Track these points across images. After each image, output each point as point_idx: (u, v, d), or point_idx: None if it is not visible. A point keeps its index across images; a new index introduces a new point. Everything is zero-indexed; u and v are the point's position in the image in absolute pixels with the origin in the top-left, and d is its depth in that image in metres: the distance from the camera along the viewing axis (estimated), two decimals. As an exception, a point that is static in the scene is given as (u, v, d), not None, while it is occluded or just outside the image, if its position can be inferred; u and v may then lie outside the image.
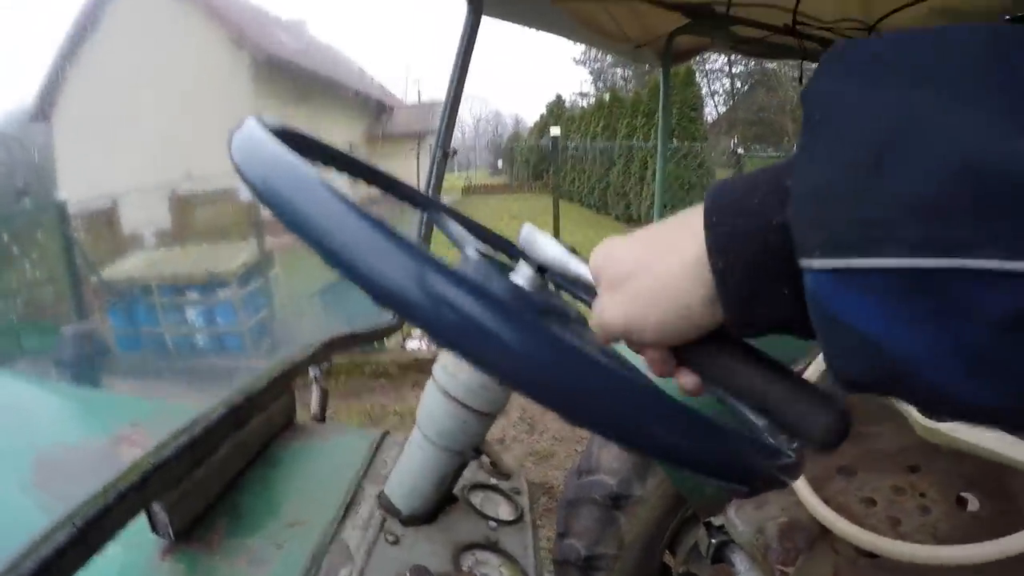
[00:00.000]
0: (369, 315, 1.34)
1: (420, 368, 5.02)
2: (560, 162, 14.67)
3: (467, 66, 1.45)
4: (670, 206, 9.44)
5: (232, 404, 0.79)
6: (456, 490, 0.80)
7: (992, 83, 0.24)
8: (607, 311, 0.41)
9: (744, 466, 0.39)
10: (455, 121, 1.49)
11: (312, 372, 1.14)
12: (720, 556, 1.35)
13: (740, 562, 1.29)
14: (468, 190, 21.84)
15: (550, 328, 0.33)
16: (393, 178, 0.68)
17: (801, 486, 1.10)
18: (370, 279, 0.33)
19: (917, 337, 0.26)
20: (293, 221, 0.36)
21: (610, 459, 1.66)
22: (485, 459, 0.91)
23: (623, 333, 0.41)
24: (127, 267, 5.77)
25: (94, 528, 0.53)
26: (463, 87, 1.46)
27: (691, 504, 1.53)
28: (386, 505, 0.72)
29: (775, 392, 0.40)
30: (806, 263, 0.28)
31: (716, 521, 1.36)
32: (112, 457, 0.90)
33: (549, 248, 0.51)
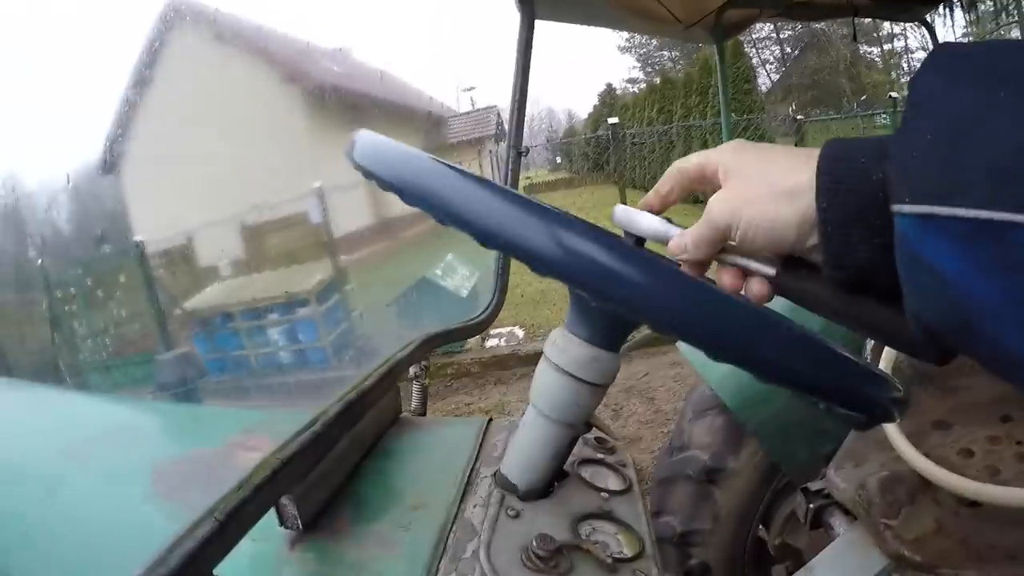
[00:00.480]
0: (453, 313, 1.38)
1: (501, 365, 5.07)
2: (618, 149, 14.62)
3: (528, 68, 1.51)
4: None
5: (346, 401, 0.84)
6: (566, 466, 0.83)
7: None
8: (718, 204, 0.49)
9: (865, 394, 0.41)
10: (524, 120, 1.53)
11: (412, 370, 1.19)
12: (818, 521, 1.35)
13: (839, 524, 1.29)
14: (531, 189, 21.87)
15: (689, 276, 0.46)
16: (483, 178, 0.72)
17: (899, 440, 1.10)
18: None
19: (985, 283, 0.31)
20: (448, 213, 0.48)
21: (702, 434, 1.67)
22: (590, 437, 0.94)
23: (724, 228, 0.48)
24: (207, 297, 6.01)
25: (232, 521, 0.56)
26: (527, 88, 1.52)
27: (785, 471, 1.53)
28: (503, 483, 0.75)
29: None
30: (897, 208, 0.35)
31: (813, 487, 1.35)
32: (229, 462, 0.95)
33: (645, 220, 0.55)
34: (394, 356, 1.01)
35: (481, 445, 0.90)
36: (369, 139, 0.56)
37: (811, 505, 1.32)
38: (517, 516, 0.71)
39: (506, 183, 1.46)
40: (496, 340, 5.38)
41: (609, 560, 0.64)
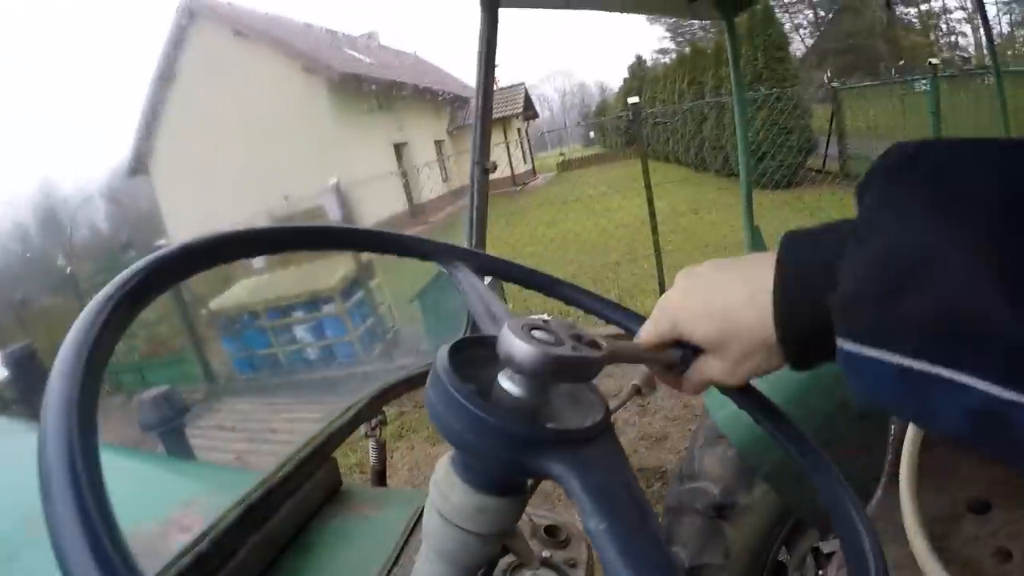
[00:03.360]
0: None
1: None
2: (648, 126, 14.23)
3: (492, 64, 1.33)
4: (770, 154, 8.94)
5: (249, 502, 0.73)
6: (499, 572, 0.70)
7: (1000, 242, 0.31)
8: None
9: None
10: (490, 130, 1.35)
11: (363, 429, 1.07)
12: None
13: None
14: (563, 166, 21.85)
15: None
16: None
17: (920, 546, 0.88)
18: None
19: (912, 405, 0.36)
20: None
21: (713, 465, 1.52)
22: (541, 525, 0.81)
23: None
24: (234, 296, 6.01)
25: None
26: (492, 87, 1.34)
27: (800, 517, 1.38)
28: (408, 613, 0.63)
29: None
30: (839, 341, 0.38)
31: (826, 548, 1.20)
32: (162, 547, 0.86)
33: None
34: (323, 432, 0.89)
35: (405, 544, 0.77)
36: None
37: (821, 572, 1.16)
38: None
39: (473, 203, 1.28)
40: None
41: None
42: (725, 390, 0.56)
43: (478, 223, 1.23)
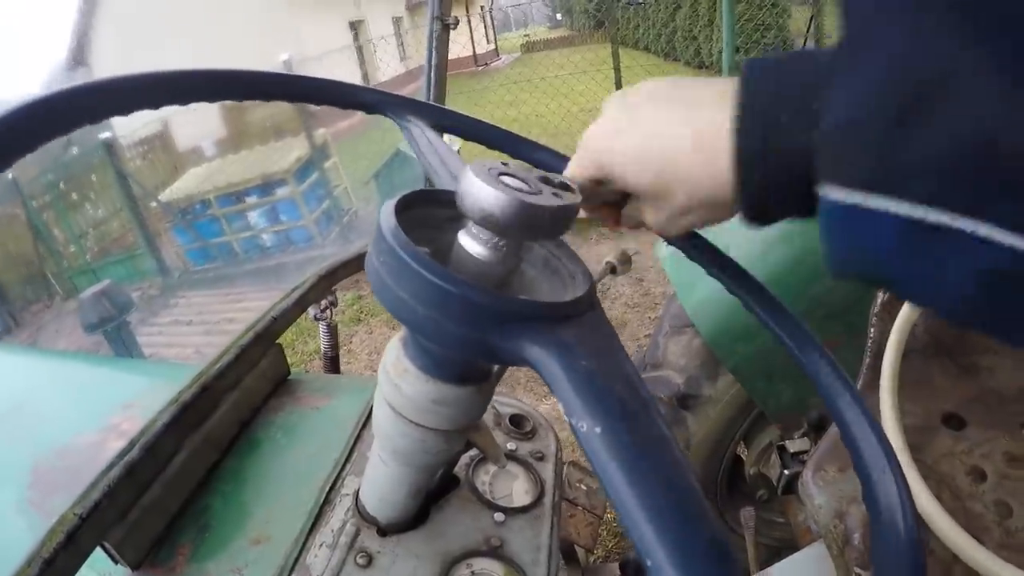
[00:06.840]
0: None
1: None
2: (618, 8, 13.73)
3: None
4: (743, 50, 8.70)
5: (184, 400, 0.66)
6: (460, 468, 0.65)
7: None
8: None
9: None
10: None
11: (312, 311, 1.00)
12: (791, 488, 1.15)
13: (813, 523, 1.06)
14: (528, 47, 21.19)
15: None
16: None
17: (900, 452, 0.84)
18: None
19: (912, 269, 0.28)
20: None
21: (677, 354, 1.49)
22: (505, 414, 0.76)
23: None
24: (185, 185, 5.78)
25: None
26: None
27: (766, 414, 1.36)
28: (362, 511, 0.57)
29: None
30: (824, 190, 0.30)
31: (792, 447, 1.17)
32: (100, 456, 0.80)
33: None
34: (265, 315, 0.82)
35: (357, 439, 0.71)
36: None
37: (785, 471, 1.14)
38: (368, 564, 0.53)
39: (430, 60, 1.16)
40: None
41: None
42: (669, 240, 0.49)
43: (436, 80, 1.13)
